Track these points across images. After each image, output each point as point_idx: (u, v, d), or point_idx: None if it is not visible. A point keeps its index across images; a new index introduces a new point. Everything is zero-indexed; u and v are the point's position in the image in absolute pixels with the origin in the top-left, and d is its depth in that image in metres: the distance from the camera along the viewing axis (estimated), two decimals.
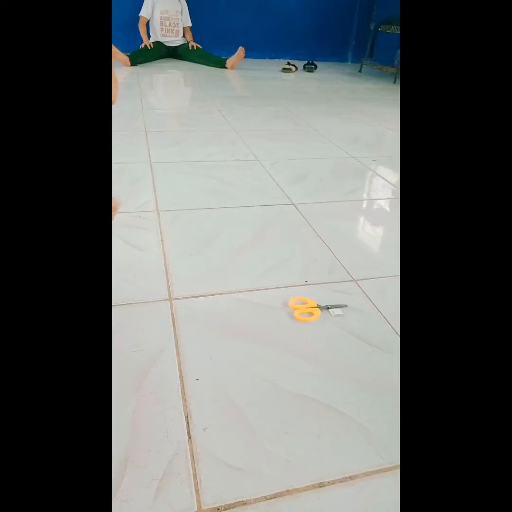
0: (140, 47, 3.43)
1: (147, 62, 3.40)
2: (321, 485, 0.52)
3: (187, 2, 3.59)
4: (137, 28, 3.49)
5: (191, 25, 3.65)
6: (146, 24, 3.52)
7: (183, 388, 0.63)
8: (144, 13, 3.46)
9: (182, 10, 3.57)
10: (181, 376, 0.65)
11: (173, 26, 3.57)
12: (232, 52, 3.46)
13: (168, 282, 0.86)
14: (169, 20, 3.54)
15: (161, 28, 3.54)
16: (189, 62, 3.59)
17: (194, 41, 3.65)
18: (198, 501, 0.49)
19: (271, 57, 4.16)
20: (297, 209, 1.21)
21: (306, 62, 3.77)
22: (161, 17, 3.50)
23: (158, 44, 3.54)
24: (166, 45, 3.60)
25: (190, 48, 3.58)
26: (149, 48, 3.43)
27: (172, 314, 0.77)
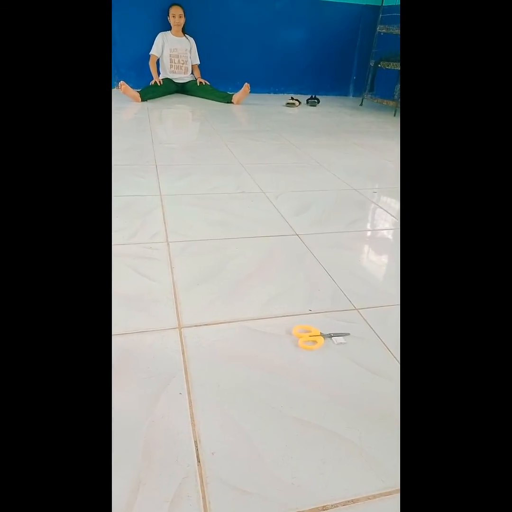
0: (150, 83, 3.60)
1: (156, 97, 3.55)
2: (324, 508, 0.54)
3: (195, 41, 3.78)
4: (148, 66, 3.67)
5: (199, 63, 3.83)
6: (156, 62, 3.70)
7: (192, 414, 0.66)
8: (154, 51, 3.65)
9: (191, 48, 3.76)
10: (190, 402, 0.68)
11: (182, 63, 3.75)
12: (238, 87, 3.61)
13: (177, 311, 0.90)
14: (178, 57, 3.72)
15: (171, 65, 3.72)
16: (196, 97, 3.75)
17: (202, 77, 3.82)
18: None
19: (275, 92, 4.33)
20: (300, 239, 1.26)
21: (309, 96, 3.92)
22: (170, 55, 3.69)
23: (167, 80, 3.71)
24: (175, 81, 3.77)
25: (198, 84, 3.74)
26: (159, 84, 3.59)
27: (182, 342, 0.81)
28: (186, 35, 3.73)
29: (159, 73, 3.74)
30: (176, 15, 3.57)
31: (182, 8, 3.57)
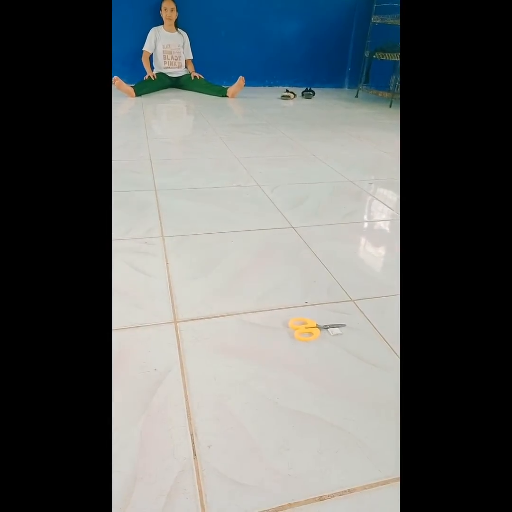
0: (144, 78, 3.57)
1: (151, 92, 3.53)
2: (321, 498, 0.54)
3: (188, 36, 3.75)
4: (141, 60, 3.64)
5: (192, 58, 3.79)
6: (149, 58, 3.66)
7: (188, 407, 0.66)
8: (147, 47, 3.61)
9: (183, 43, 3.72)
10: (186, 396, 0.68)
11: (175, 59, 3.72)
12: (233, 81, 3.58)
13: (173, 305, 0.90)
14: (171, 53, 3.69)
15: (164, 61, 3.69)
16: (191, 91, 3.72)
17: (196, 71, 3.79)
18: None
19: (270, 85, 4.30)
20: (296, 232, 1.25)
21: (304, 89, 3.89)
22: (164, 51, 3.65)
23: (161, 75, 3.68)
24: (169, 75, 3.74)
25: (193, 78, 3.71)
26: (153, 79, 3.56)
27: (177, 336, 0.81)
28: (178, 29, 3.69)
29: (152, 68, 3.71)
30: (168, 9, 3.53)
31: (174, 1, 3.54)
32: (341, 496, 0.54)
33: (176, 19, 3.64)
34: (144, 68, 3.63)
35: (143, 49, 3.61)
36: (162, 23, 3.63)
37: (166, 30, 3.63)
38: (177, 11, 3.59)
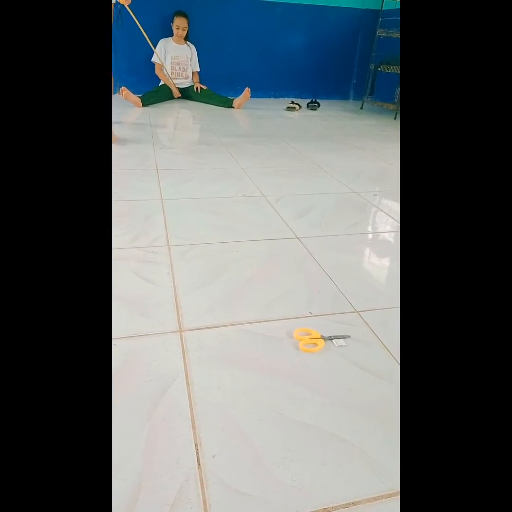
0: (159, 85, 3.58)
1: (157, 103, 3.57)
2: (325, 510, 0.54)
3: (197, 47, 3.81)
4: (149, 71, 3.69)
5: (199, 70, 3.85)
6: (161, 69, 3.69)
7: (192, 417, 0.66)
8: (157, 59, 3.64)
9: (191, 56, 3.78)
10: (190, 405, 0.68)
11: (183, 70, 3.78)
12: (239, 92, 3.63)
13: (178, 314, 0.90)
14: (179, 65, 3.75)
15: (172, 72, 3.75)
16: (197, 102, 3.77)
17: (202, 83, 3.84)
18: None
19: (275, 97, 4.35)
20: (301, 242, 1.26)
21: (309, 100, 3.93)
22: (172, 62, 3.71)
23: (168, 86, 3.73)
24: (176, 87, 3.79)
25: (195, 90, 3.76)
26: (178, 93, 3.65)
27: (182, 345, 0.81)
28: (187, 42, 3.75)
29: (159, 80, 3.76)
30: (180, 27, 3.59)
31: (187, 19, 3.59)
32: (345, 509, 0.54)
33: (186, 34, 3.70)
34: (151, 80, 3.68)
35: (153, 60, 3.65)
36: (171, 34, 3.69)
37: (175, 42, 3.69)
38: (188, 26, 3.64)
